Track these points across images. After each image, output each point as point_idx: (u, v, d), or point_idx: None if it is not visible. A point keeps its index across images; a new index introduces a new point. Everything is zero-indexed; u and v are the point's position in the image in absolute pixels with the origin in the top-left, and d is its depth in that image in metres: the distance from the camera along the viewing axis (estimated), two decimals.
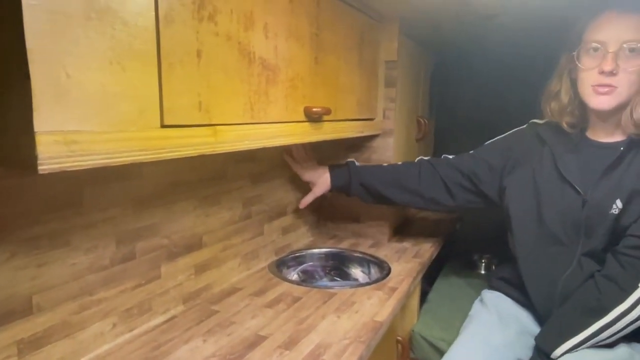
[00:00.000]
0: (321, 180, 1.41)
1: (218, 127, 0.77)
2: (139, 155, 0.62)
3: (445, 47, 2.00)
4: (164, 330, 0.97)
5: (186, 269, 1.08)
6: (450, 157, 1.38)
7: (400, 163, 1.46)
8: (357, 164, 1.46)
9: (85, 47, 0.53)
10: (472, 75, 2.32)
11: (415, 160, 1.43)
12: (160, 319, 1.01)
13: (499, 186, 1.24)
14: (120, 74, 0.58)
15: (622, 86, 0.99)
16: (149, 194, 0.95)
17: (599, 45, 0.99)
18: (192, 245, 1.09)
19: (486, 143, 1.33)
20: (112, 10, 0.56)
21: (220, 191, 1.18)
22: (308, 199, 1.43)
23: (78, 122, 0.54)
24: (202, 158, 0.75)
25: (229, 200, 1.21)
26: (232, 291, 1.18)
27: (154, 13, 0.62)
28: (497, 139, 1.31)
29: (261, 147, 0.91)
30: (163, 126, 0.66)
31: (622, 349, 0.99)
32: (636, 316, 0.94)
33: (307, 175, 1.43)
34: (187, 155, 0.71)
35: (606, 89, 0.99)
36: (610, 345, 0.98)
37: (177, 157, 0.69)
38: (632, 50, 0.97)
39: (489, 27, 1.54)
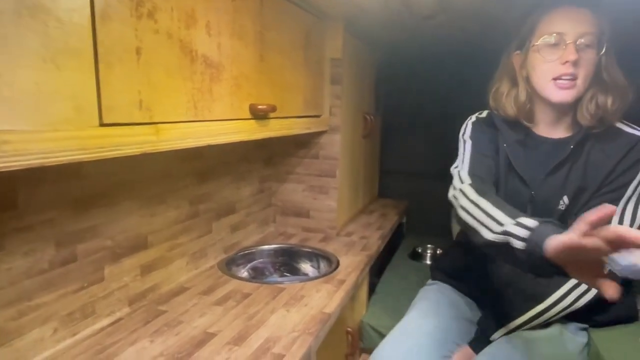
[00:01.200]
0: None
1: (160, 125, 0.76)
2: (77, 154, 0.61)
3: (390, 45, 2.05)
4: (109, 333, 0.95)
5: (131, 269, 1.06)
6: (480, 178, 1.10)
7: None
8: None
9: (16, 45, 0.52)
10: (416, 72, 2.41)
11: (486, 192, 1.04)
12: (104, 321, 0.98)
13: None
14: (55, 72, 0.57)
15: (581, 78, 0.99)
16: (90, 194, 0.93)
17: (558, 36, 0.98)
18: (138, 246, 1.07)
19: (470, 146, 1.16)
20: (44, 6, 0.55)
21: (166, 190, 1.16)
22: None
23: (9, 121, 0.52)
24: (146, 156, 0.74)
25: (176, 199, 1.20)
26: (180, 291, 1.17)
27: (89, 10, 0.61)
28: (472, 137, 1.18)
29: (206, 144, 0.91)
30: (102, 125, 0.65)
31: (554, 327, 1.07)
32: (570, 302, 1.01)
33: None
34: (128, 154, 0.70)
35: (567, 83, 0.99)
36: (543, 325, 1.06)
37: (117, 156, 0.68)
38: (587, 45, 0.98)
39: (429, 26, 1.60)
